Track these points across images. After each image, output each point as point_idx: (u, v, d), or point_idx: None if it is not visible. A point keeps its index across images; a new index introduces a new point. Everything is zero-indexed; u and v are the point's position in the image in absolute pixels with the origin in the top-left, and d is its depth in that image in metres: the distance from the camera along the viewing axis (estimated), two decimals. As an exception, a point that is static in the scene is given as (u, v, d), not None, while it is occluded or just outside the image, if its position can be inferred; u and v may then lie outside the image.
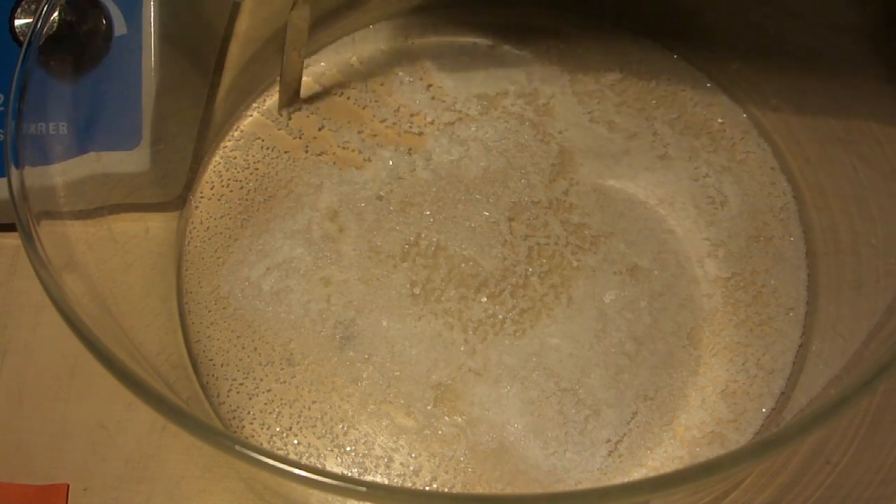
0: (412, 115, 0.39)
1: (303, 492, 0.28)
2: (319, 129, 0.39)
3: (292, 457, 0.32)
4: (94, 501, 0.33)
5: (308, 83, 0.40)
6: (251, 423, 0.33)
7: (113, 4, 0.34)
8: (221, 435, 0.21)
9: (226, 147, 0.39)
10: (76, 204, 0.30)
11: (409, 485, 0.31)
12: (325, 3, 0.41)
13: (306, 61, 0.40)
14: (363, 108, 0.39)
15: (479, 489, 0.31)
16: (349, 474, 0.31)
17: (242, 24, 0.42)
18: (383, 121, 0.39)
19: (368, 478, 0.31)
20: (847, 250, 0.34)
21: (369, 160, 0.38)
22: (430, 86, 0.39)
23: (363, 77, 0.40)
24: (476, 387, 0.32)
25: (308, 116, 0.39)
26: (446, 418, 0.32)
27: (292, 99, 0.39)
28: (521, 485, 0.31)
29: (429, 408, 0.32)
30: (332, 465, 0.32)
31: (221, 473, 0.33)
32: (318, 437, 0.32)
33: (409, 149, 0.38)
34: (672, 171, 0.37)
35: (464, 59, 0.40)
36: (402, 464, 0.31)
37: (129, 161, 0.34)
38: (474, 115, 0.38)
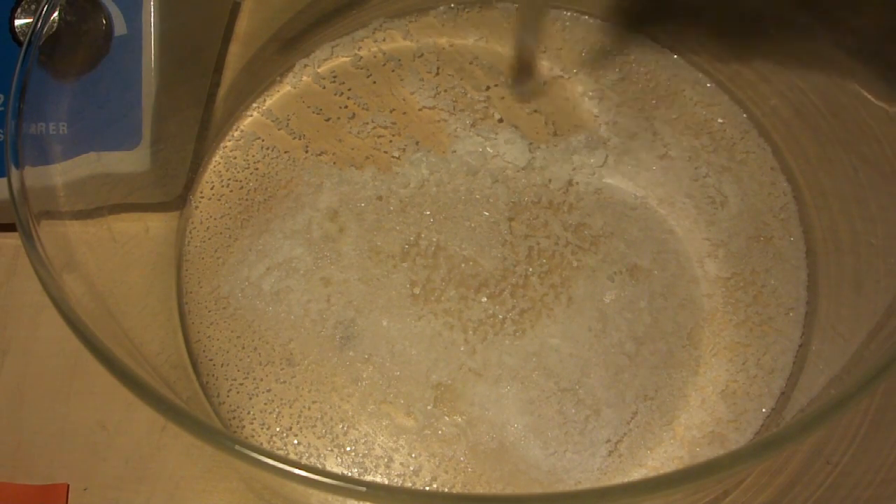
0: (412, 115, 0.39)
1: (303, 492, 0.28)
2: (319, 129, 0.39)
3: (292, 457, 0.32)
4: (94, 501, 0.33)
5: (308, 83, 0.40)
6: (251, 423, 0.33)
7: (113, 4, 0.34)
8: (221, 435, 0.21)
9: (226, 147, 0.39)
10: (76, 204, 0.30)
11: (409, 485, 0.31)
12: (326, 3, 0.41)
13: (304, 61, 0.40)
14: (364, 108, 0.39)
15: (479, 489, 0.31)
16: (349, 474, 0.31)
17: (242, 24, 0.42)
18: (383, 121, 0.39)
19: (368, 478, 0.31)
20: (847, 250, 0.34)
21: (370, 160, 0.38)
22: (430, 85, 0.39)
23: (363, 77, 0.40)
24: (476, 387, 0.32)
25: (308, 116, 0.39)
26: (446, 418, 0.32)
27: (525, 77, 0.38)
28: (521, 485, 0.31)
29: (429, 408, 0.32)
30: (332, 465, 0.32)
31: (221, 474, 0.33)
32: (318, 437, 0.32)
33: (410, 148, 0.38)
34: (672, 171, 0.37)
35: (464, 58, 0.40)
36: (402, 464, 0.31)
37: (129, 161, 0.34)
38: (474, 114, 0.38)
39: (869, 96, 0.34)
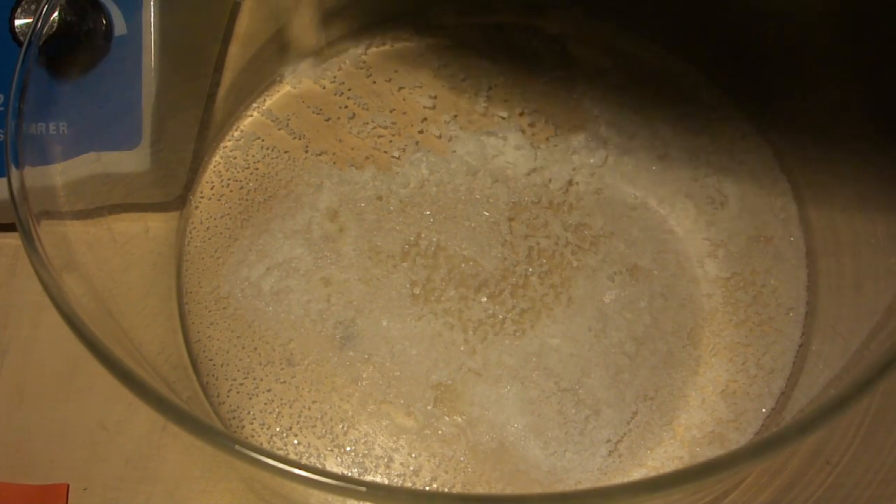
0: (412, 115, 0.39)
1: (303, 492, 0.28)
2: (319, 129, 0.39)
3: (292, 457, 0.32)
4: (94, 501, 0.33)
5: (308, 83, 0.40)
6: (251, 423, 0.33)
7: (113, 4, 0.34)
8: (221, 435, 0.21)
9: (226, 147, 0.39)
10: (76, 204, 0.30)
11: (409, 485, 0.31)
12: (326, 3, 0.41)
13: (304, 62, 0.40)
14: (364, 108, 0.39)
15: (479, 489, 0.31)
16: (349, 474, 0.31)
17: (242, 24, 0.42)
18: (383, 121, 0.39)
19: (368, 478, 0.31)
20: (847, 250, 0.34)
21: (370, 160, 0.38)
22: (430, 86, 0.39)
23: (363, 77, 0.40)
24: (476, 387, 0.32)
25: (308, 116, 0.39)
26: (446, 418, 0.32)
27: None
28: (521, 485, 0.31)
29: (429, 408, 0.32)
30: (332, 465, 0.32)
31: (221, 474, 0.33)
32: (318, 437, 0.32)
33: (410, 148, 0.38)
34: (672, 171, 0.37)
35: (464, 59, 0.40)
36: (402, 464, 0.31)
37: (129, 161, 0.34)
38: (474, 114, 0.38)
39: (868, 96, 0.34)
